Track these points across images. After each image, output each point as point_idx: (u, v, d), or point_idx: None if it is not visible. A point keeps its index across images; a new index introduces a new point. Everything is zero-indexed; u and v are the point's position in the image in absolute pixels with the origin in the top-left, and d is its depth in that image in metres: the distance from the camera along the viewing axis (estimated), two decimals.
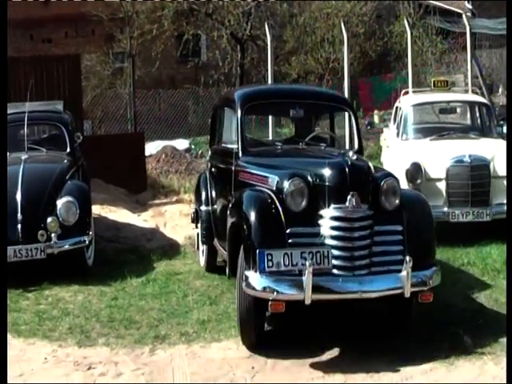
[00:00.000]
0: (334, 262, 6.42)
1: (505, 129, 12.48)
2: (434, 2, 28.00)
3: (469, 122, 12.85)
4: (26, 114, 10.45)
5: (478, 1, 30.54)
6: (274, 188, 6.81)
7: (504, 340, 6.86)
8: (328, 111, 9.04)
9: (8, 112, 11.02)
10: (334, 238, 6.53)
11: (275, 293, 6.28)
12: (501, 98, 22.45)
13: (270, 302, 6.34)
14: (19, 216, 9.01)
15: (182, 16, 23.85)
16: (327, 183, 6.62)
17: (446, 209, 10.28)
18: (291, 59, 23.51)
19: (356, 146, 8.26)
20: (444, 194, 10.36)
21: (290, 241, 6.48)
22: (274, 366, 6.59)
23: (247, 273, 6.42)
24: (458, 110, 13.41)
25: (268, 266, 6.23)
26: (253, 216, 6.58)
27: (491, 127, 12.07)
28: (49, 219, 9.02)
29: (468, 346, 6.82)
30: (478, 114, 12.44)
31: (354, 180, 6.58)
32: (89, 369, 6.61)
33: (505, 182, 10.29)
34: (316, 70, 22.88)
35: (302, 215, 6.61)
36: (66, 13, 24.87)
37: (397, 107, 13.07)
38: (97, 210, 11.53)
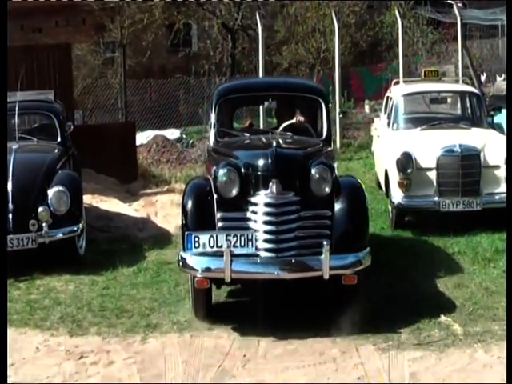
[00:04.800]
0: (261, 244, 6.88)
1: (495, 119, 12.54)
2: None
3: (459, 111, 12.85)
4: (17, 104, 10.41)
5: None
6: (213, 177, 7.33)
7: (495, 328, 6.94)
8: (301, 101, 9.14)
9: None
10: (260, 222, 6.99)
11: (200, 270, 6.89)
12: (491, 88, 22.47)
13: (195, 279, 6.99)
14: (10, 206, 8.99)
15: (173, 5, 23.80)
16: (255, 172, 7.16)
17: (436, 198, 10.30)
18: (282, 49, 23.49)
19: (324, 133, 8.48)
20: (434, 183, 10.38)
21: (220, 225, 7.05)
22: (266, 354, 6.62)
23: (181, 253, 7.05)
24: (449, 99, 13.42)
25: (195, 247, 6.77)
26: (187, 203, 7.23)
27: (482, 117, 12.07)
28: (40, 209, 9.02)
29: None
30: (468, 104, 12.45)
31: (278, 169, 7.06)
32: (80, 358, 6.63)
33: (495, 172, 10.33)
34: (307, 60, 22.84)
35: (234, 202, 7.14)
36: (57, 2, 24.75)
37: (387, 97, 13.08)
38: (88, 199, 11.50)
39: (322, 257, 6.75)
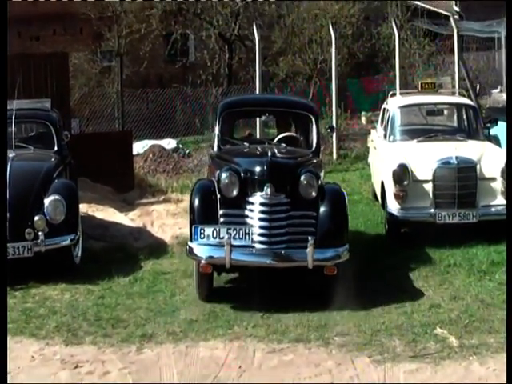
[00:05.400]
0: (256, 237, 8.03)
1: (491, 131, 12.56)
2: (421, 4, 28.07)
3: (456, 124, 12.88)
4: (14, 112, 10.40)
5: (466, 1, 30.60)
6: (217, 179, 8.45)
7: (491, 340, 6.94)
8: (294, 116, 10.39)
9: None
10: (255, 219, 8.17)
11: (204, 258, 8.00)
12: (487, 100, 22.52)
13: (200, 265, 8.05)
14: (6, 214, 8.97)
15: (171, 15, 23.82)
16: (253, 176, 8.33)
17: (432, 210, 10.31)
18: (279, 60, 23.51)
19: (314, 146, 9.60)
20: (431, 195, 10.39)
21: (222, 220, 8.22)
22: (261, 365, 6.61)
23: (189, 243, 8.18)
24: (445, 111, 13.44)
25: (200, 238, 7.95)
26: (195, 200, 8.37)
27: (478, 129, 12.09)
28: (36, 217, 9.01)
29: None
30: (464, 116, 12.46)
31: (272, 174, 8.27)
32: (76, 367, 6.61)
33: (491, 184, 10.36)
34: (304, 71, 22.83)
35: (234, 201, 8.30)
36: (54, 10, 24.76)
37: (384, 109, 13.09)
38: (84, 208, 11.49)
39: (307, 250, 7.85)
